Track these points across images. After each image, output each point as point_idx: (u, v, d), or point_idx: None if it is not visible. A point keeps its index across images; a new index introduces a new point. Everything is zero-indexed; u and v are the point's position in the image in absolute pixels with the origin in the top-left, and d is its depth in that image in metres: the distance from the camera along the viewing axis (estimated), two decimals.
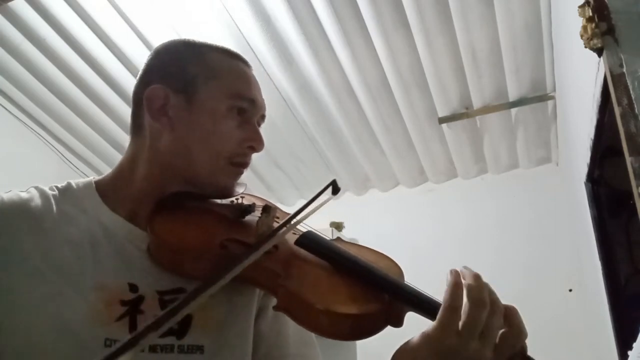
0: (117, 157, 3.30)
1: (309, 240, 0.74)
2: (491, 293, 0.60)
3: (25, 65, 2.60)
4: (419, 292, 0.66)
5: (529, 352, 0.61)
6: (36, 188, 0.76)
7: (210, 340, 0.71)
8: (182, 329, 0.70)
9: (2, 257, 0.67)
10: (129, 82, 2.65)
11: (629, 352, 0.97)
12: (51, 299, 0.66)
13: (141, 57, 2.50)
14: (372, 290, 0.67)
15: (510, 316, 0.60)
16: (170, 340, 0.69)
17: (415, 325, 0.65)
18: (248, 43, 2.38)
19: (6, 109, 2.82)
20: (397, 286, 0.68)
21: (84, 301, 0.67)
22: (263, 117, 0.84)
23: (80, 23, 2.36)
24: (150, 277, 0.71)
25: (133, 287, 0.70)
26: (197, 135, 0.76)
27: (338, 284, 0.68)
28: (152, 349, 0.67)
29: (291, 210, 0.70)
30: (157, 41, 2.41)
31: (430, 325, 0.60)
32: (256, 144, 0.79)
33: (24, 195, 0.74)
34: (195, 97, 0.77)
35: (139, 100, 0.79)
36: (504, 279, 2.57)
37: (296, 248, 0.73)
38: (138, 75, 0.82)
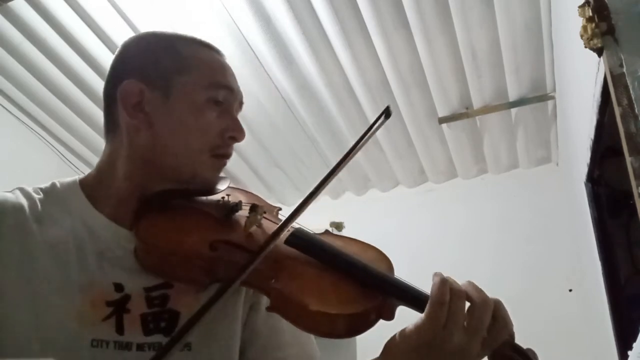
0: None
1: (298, 239, 0.72)
2: (478, 290, 0.63)
3: (25, 65, 2.60)
4: (409, 286, 0.67)
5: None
6: (21, 190, 0.75)
7: (198, 337, 0.70)
8: (169, 326, 0.70)
9: None
10: None
11: (629, 352, 0.98)
12: (36, 303, 0.65)
13: None
14: (364, 288, 0.67)
15: (495, 310, 0.63)
16: (158, 338, 0.69)
17: (409, 317, 0.66)
18: (248, 43, 2.37)
19: (6, 109, 2.82)
20: (389, 283, 0.68)
21: (69, 304, 0.66)
22: (241, 104, 0.82)
23: (80, 23, 2.36)
24: (135, 275, 0.71)
25: (118, 287, 0.70)
26: (177, 130, 0.74)
27: (330, 284, 0.68)
28: (140, 347, 0.68)
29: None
30: None
31: (419, 318, 0.62)
32: (237, 133, 0.78)
33: (10, 196, 0.72)
34: (172, 91, 0.74)
35: (111, 99, 0.77)
36: (504, 279, 2.61)
37: (286, 247, 0.72)
38: (108, 74, 0.79)
